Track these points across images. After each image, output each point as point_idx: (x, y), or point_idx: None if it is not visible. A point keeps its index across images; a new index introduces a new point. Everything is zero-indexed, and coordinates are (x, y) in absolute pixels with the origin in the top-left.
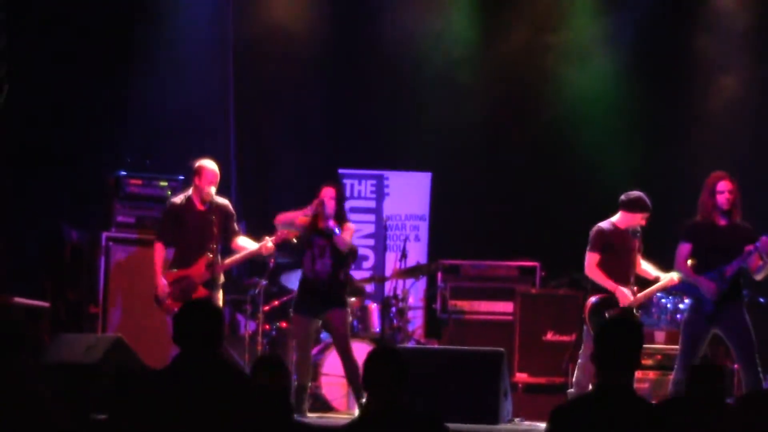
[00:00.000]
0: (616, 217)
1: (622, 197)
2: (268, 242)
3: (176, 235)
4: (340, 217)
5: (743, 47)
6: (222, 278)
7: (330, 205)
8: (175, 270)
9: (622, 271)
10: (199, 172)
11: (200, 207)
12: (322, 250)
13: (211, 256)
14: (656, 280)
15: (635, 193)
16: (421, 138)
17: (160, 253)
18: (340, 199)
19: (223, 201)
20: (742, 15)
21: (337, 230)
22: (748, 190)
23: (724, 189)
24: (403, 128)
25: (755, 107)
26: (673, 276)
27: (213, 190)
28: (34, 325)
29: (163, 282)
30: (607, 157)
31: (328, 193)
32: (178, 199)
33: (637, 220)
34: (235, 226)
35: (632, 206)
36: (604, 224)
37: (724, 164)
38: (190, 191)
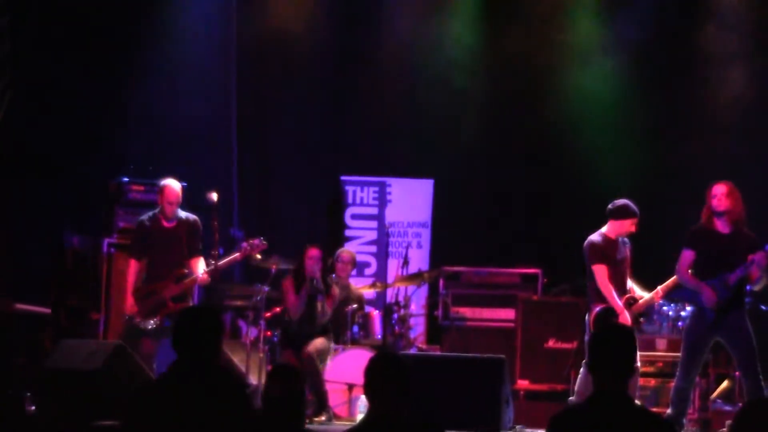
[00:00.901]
0: (606, 228)
1: (610, 207)
2: (203, 274)
3: (146, 251)
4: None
5: (748, 47)
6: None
7: (311, 267)
8: (145, 286)
9: (619, 281)
10: (161, 191)
11: (167, 224)
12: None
13: (182, 270)
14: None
15: (621, 201)
16: (424, 145)
17: (133, 269)
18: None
19: (192, 217)
20: (747, 13)
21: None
22: (751, 189)
23: (716, 193)
24: (405, 135)
25: (760, 106)
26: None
27: (175, 208)
28: (36, 331)
29: (131, 300)
30: (610, 163)
31: (310, 254)
32: (146, 217)
33: (627, 227)
34: (198, 244)
35: (620, 214)
36: (594, 237)
37: (728, 165)
38: (157, 209)
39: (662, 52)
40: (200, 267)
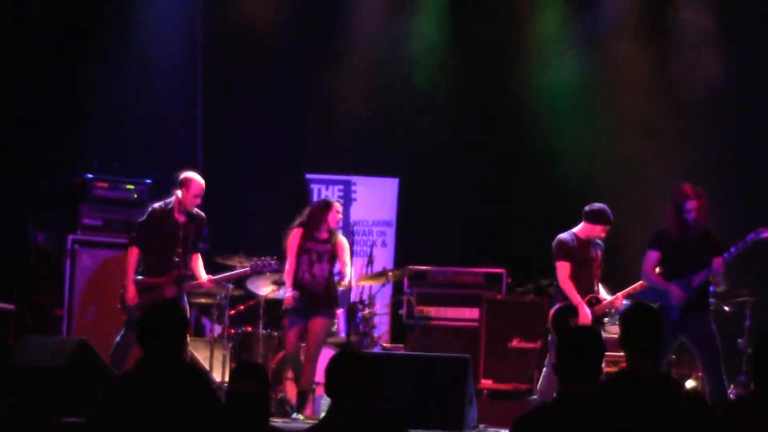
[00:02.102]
0: (578, 228)
1: (586, 208)
2: (207, 281)
3: (153, 242)
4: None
5: (718, 37)
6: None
7: (336, 219)
8: (146, 278)
9: (584, 280)
10: (186, 184)
11: (180, 218)
12: (320, 255)
13: (184, 271)
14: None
15: (598, 205)
16: (389, 143)
17: (134, 258)
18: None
19: (202, 214)
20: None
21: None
22: (720, 181)
23: (691, 208)
24: (370, 133)
25: (731, 96)
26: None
27: (200, 202)
28: None
29: (133, 290)
30: (577, 164)
31: (336, 208)
32: (158, 206)
33: (597, 231)
34: (200, 242)
35: (594, 218)
36: (564, 235)
37: (698, 158)
38: (171, 200)
39: (629, 43)
40: (200, 265)
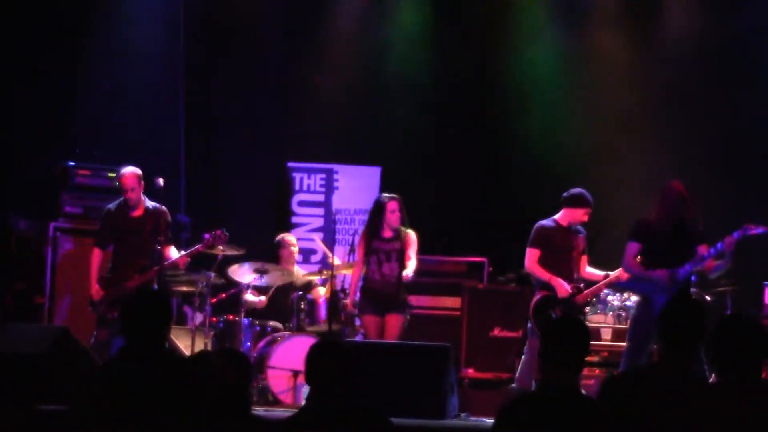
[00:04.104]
0: (559, 214)
1: (564, 194)
2: (182, 253)
3: (111, 240)
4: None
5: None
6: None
7: (394, 218)
8: (111, 275)
9: (564, 268)
10: (119, 180)
11: (133, 213)
12: (388, 254)
13: (145, 261)
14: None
15: (577, 190)
16: (371, 132)
17: (96, 258)
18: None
19: (161, 208)
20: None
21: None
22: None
23: (691, 204)
24: (353, 122)
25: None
26: (621, 273)
27: (135, 195)
28: None
29: (97, 287)
30: (559, 151)
31: (390, 207)
32: (113, 205)
33: (579, 216)
34: (168, 234)
35: (574, 202)
36: (545, 221)
37: (679, 146)
38: (122, 198)
39: (610, 31)
40: (173, 255)
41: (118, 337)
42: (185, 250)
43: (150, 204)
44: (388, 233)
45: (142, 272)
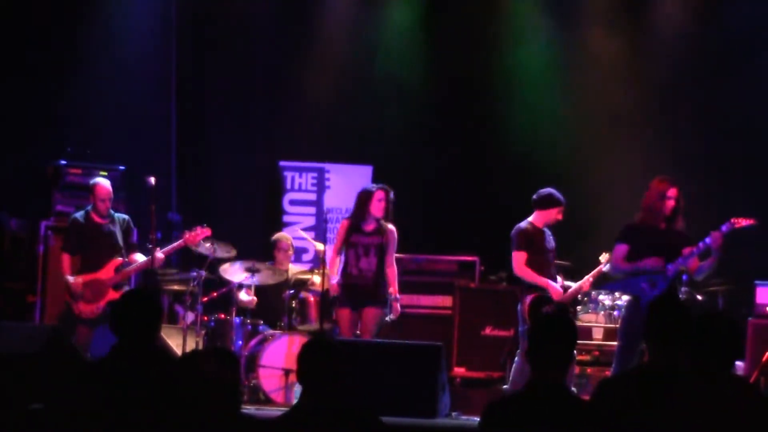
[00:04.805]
0: (532, 217)
1: (534, 197)
2: (159, 252)
3: (80, 246)
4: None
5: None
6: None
7: (380, 207)
8: (82, 275)
9: (548, 269)
10: (92, 190)
11: (99, 220)
12: (366, 249)
13: (121, 259)
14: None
15: (545, 190)
16: (363, 131)
17: (66, 262)
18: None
19: (124, 217)
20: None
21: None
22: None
23: (672, 195)
24: (344, 121)
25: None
26: (600, 258)
27: (108, 205)
28: None
29: (75, 280)
30: (550, 151)
31: (377, 195)
32: (79, 214)
33: (553, 215)
34: (132, 240)
35: (544, 203)
36: (523, 224)
37: (671, 144)
38: (90, 207)
39: (604, 29)
40: (141, 257)
41: (99, 328)
42: (166, 247)
43: (115, 213)
44: (370, 225)
45: (118, 270)
